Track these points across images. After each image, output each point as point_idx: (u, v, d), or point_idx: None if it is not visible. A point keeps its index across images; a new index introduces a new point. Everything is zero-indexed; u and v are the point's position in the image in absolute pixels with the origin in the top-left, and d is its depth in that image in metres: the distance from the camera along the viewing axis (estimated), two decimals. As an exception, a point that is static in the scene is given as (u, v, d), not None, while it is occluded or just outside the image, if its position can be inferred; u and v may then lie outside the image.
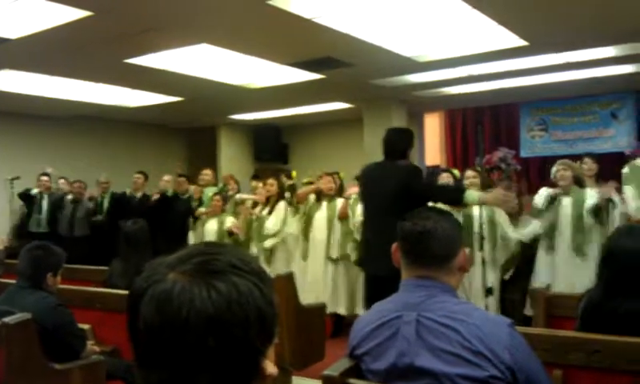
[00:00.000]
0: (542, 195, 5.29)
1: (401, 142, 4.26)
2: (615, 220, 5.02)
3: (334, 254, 6.08)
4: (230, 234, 6.67)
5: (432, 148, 10.97)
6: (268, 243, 6.50)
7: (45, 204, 8.00)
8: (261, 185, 7.13)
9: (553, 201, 5.18)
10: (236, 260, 0.89)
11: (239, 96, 8.68)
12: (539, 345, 2.07)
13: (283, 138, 12.30)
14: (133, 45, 5.97)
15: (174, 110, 9.80)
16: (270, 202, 6.66)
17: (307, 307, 4.60)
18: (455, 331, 1.66)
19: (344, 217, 6.09)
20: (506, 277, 5.38)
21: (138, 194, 8.06)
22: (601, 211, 4.98)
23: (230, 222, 6.86)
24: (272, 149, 11.97)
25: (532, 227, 5.30)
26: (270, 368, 0.90)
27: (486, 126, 10.38)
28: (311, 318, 4.46)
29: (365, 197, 4.36)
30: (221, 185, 8.23)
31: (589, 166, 5.60)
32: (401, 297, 1.82)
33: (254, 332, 0.86)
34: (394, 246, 1.88)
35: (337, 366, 1.82)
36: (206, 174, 8.20)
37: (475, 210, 5.21)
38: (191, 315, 0.82)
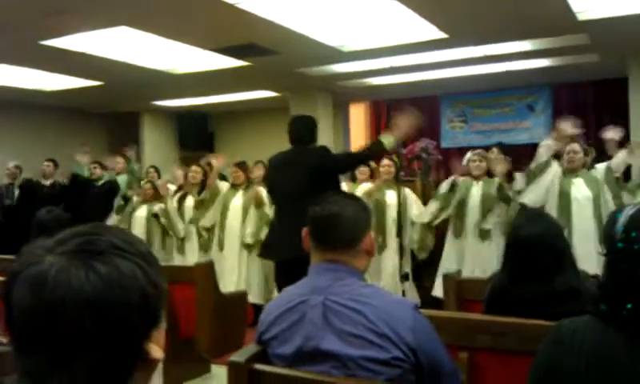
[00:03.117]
0: (448, 182, 5.60)
1: (308, 129, 4.33)
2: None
3: (249, 240, 6.05)
4: (156, 216, 6.53)
5: (357, 138, 11.08)
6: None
7: None
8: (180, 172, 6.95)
9: (453, 187, 5.47)
10: (119, 241, 0.86)
11: (162, 81, 8.49)
12: (446, 327, 2.11)
13: (209, 126, 12.13)
14: (47, 26, 5.72)
15: (94, 95, 9.47)
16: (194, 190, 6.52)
17: (227, 296, 4.58)
18: (361, 314, 1.67)
19: (259, 203, 6.05)
20: (422, 257, 5.59)
21: (48, 182, 7.78)
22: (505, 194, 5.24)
23: (157, 207, 6.69)
24: (197, 137, 11.79)
25: (429, 207, 5.58)
26: (156, 352, 0.88)
27: (408, 117, 10.55)
28: (231, 306, 4.44)
29: (275, 184, 4.35)
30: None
31: (495, 156, 5.88)
32: (309, 281, 1.83)
33: (137, 315, 0.84)
34: (305, 230, 1.89)
35: (244, 351, 1.80)
36: (118, 162, 7.85)
37: (390, 197, 5.37)
38: (67, 297, 0.79)
